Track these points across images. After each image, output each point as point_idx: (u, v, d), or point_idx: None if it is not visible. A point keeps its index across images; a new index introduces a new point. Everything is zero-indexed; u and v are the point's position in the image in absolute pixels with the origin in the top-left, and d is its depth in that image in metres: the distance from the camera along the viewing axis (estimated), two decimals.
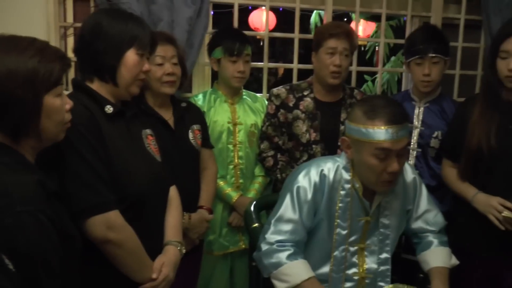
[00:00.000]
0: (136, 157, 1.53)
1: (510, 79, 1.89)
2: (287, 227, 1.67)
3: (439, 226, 1.86)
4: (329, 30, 2.26)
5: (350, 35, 2.26)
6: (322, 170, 1.71)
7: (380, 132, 1.56)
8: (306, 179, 1.70)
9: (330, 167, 1.72)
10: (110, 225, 1.39)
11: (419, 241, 1.88)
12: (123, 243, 1.42)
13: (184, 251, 1.65)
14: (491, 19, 2.87)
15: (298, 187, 1.70)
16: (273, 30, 4.77)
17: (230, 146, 2.36)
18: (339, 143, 2.21)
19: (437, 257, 1.79)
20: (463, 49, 3.07)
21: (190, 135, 2.09)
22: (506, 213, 1.83)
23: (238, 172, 2.38)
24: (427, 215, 1.85)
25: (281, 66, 3.72)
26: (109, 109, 1.48)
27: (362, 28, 4.71)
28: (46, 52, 1.23)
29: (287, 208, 1.69)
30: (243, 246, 2.40)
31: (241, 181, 2.39)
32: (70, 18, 2.57)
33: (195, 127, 2.12)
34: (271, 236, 1.67)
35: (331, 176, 1.70)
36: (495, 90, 1.95)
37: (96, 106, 1.47)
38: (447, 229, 1.92)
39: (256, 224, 1.90)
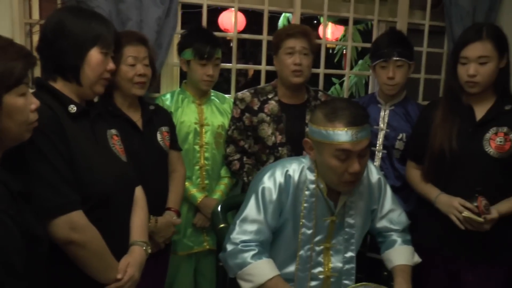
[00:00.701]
0: (101, 157, 1.51)
1: (469, 84, 1.95)
2: (252, 227, 1.69)
3: (402, 225, 1.90)
4: (286, 31, 2.30)
5: (307, 34, 2.28)
6: (287, 171, 1.73)
7: (340, 134, 1.59)
8: (271, 180, 1.72)
9: (295, 168, 1.74)
10: (74, 225, 1.37)
11: (383, 240, 1.91)
12: (87, 243, 1.40)
13: (149, 251, 1.65)
14: (453, 26, 2.96)
15: (263, 188, 1.71)
16: (243, 31, 4.77)
17: (197, 147, 2.35)
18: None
19: (400, 255, 1.83)
20: (428, 54, 3.15)
21: (159, 136, 2.08)
22: (466, 213, 1.88)
23: (204, 173, 2.38)
24: (391, 214, 1.89)
25: (249, 67, 3.72)
26: (72, 108, 1.46)
27: (331, 32, 4.77)
28: (8, 50, 1.20)
29: (252, 209, 1.70)
30: (208, 247, 2.40)
31: (206, 182, 2.38)
32: (36, 15, 2.51)
33: (164, 129, 2.11)
34: (236, 236, 1.68)
35: (296, 176, 1.72)
36: (457, 95, 2.01)
37: (59, 106, 1.45)
38: (411, 228, 1.97)
39: (223, 225, 1.91)
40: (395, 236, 1.88)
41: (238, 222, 1.71)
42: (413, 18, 3.12)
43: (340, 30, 4.86)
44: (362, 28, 4.86)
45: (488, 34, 1.91)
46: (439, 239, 2.06)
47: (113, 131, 1.65)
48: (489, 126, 1.96)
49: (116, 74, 1.93)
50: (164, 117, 2.17)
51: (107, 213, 1.50)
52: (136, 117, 2.04)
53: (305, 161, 1.76)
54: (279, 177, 1.72)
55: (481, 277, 2.00)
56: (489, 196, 1.90)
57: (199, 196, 2.33)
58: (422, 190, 2.12)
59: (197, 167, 2.37)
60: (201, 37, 2.29)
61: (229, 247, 1.68)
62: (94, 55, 1.49)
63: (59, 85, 1.49)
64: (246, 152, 2.40)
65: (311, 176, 1.73)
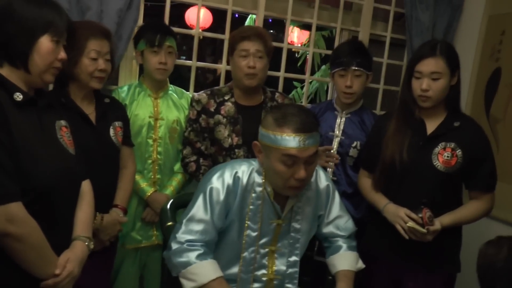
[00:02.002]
0: (46, 148, 1.46)
1: (422, 99, 1.99)
2: (198, 227, 1.68)
3: (349, 232, 1.93)
4: (241, 33, 2.29)
5: (262, 37, 2.27)
6: (236, 173, 1.73)
7: (288, 140, 1.60)
8: (219, 181, 1.72)
9: (245, 169, 1.75)
10: (11, 217, 1.32)
11: (329, 245, 1.94)
12: (24, 237, 1.35)
13: (92, 246, 1.61)
14: (413, 40, 3.03)
15: (211, 188, 1.71)
16: (209, 28, 4.75)
17: (150, 141, 2.33)
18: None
19: (344, 261, 1.86)
20: (388, 65, 3.22)
21: (111, 131, 2.04)
22: (410, 223, 1.92)
23: (156, 167, 2.36)
24: (338, 220, 1.92)
25: (209, 66, 3.67)
26: (18, 96, 1.41)
27: (297, 36, 4.81)
28: None
29: (199, 209, 1.70)
30: (156, 242, 2.38)
31: (158, 176, 2.37)
32: None
33: (117, 123, 2.08)
34: (182, 235, 1.67)
35: (245, 178, 1.73)
36: (410, 108, 2.05)
37: (3, 93, 1.40)
38: (360, 234, 2.01)
39: (171, 223, 1.89)
40: (340, 242, 1.91)
41: (184, 221, 1.70)
42: (376, 29, 3.18)
43: (306, 34, 4.90)
44: (327, 35, 4.92)
45: (441, 51, 1.96)
46: (384, 246, 2.11)
47: (63, 122, 1.61)
48: (439, 141, 2.01)
49: (76, 66, 1.90)
50: (119, 112, 2.13)
51: (49, 206, 1.46)
52: (90, 110, 2.00)
53: (255, 164, 1.77)
54: (228, 178, 1.72)
55: (421, 284, 2.06)
56: (434, 208, 1.95)
57: (148, 190, 2.31)
58: (371, 198, 2.16)
59: (149, 161, 2.35)
60: (152, 27, 2.31)
61: (174, 246, 1.67)
62: (45, 43, 1.44)
63: (5, 71, 1.44)
64: (202, 154, 2.38)
65: (258, 179, 1.74)
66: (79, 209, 1.62)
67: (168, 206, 1.95)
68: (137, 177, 2.28)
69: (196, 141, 2.36)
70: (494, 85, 2.88)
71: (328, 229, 1.92)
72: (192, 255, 1.63)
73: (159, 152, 2.35)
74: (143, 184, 2.31)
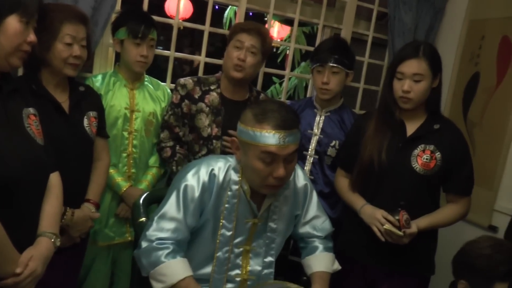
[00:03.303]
0: (10, 137, 1.37)
1: (403, 100, 1.98)
2: (170, 225, 1.62)
3: (325, 232, 1.91)
4: (242, 25, 2.28)
5: (261, 34, 2.24)
6: (212, 170, 1.68)
7: (267, 136, 1.56)
8: (195, 178, 1.66)
9: (221, 166, 1.69)
10: None
11: (305, 245, 1.91)
12: None
13: (58, 243, 1.52)
14: (395, 40, 3.03)
15: (186, 186, 1.65)
16: (190, 19, 4.66)
17: (125, 133, 2.25)
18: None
19: (320, 262, 1.83)
20: (369, 65, 3.20)
21: (85, 121, 1.95)
22: (387, 226, 1.90)
23: (131, 161, 2.28)
24: (315, 221, 1.89)
25: (187, 57, 3.58)
26: None
27: (277, 31, 4.75)
28: None
29: (171, 206, 1.64)
30: (129, 238, 2.30)
31: (133, 170, 2.29)
32: None
33: (92, 114, 1.99)
34: (152, 233, 1.61)
35: (221, 176, 1.68)
36: (390, 109, 2.03)
37: None
38: (335, 234, 1.98)
39: (143, 219, 1.82)
40: (317, 243, 1.88)
41: (156, 218, 1.63)
42: (358, 27, 3.16)
43: (286, 30, 4.85)
44: (308, 31, 4.88)
45: (424, 53, 1.95)
46: (360, 247, 2.09)
47: (31, 110, 1.51)
48: (418, 143, 2.00)
49: (49, 51, 1.81)
50: (94, 101, 2.04)
51: (12, 199, 1.37)
52: (63, 98, 1.90)
53: (232, 161, 1.72)
54: (204, 175, 1.66)
55: (395, 286, 2.06)
56: (412, 210, 1.94)
57: (124, 185, 2.23)
58: (348, 199, 2.13)
59: (124, 155, 2.27)
60: (136, 16, 2.21)
61: (144, 244, 1.61)
62: (12, 23, 1.35)
63: None
64: (180, 140, 2.32)
65: (235, 177, 1.69)
66: (46, 203, 1.53)
67: (141, 201, 1.88)
68: (112, 171, 2.21)
69: (175, 126, 2.30)
70: (473, 90, 2.90)
71: (304, 229, 1.88)
72: (161, 254, 1.57)
73: (134, 146, 2.27)
74: (118, 179, 2.23)
